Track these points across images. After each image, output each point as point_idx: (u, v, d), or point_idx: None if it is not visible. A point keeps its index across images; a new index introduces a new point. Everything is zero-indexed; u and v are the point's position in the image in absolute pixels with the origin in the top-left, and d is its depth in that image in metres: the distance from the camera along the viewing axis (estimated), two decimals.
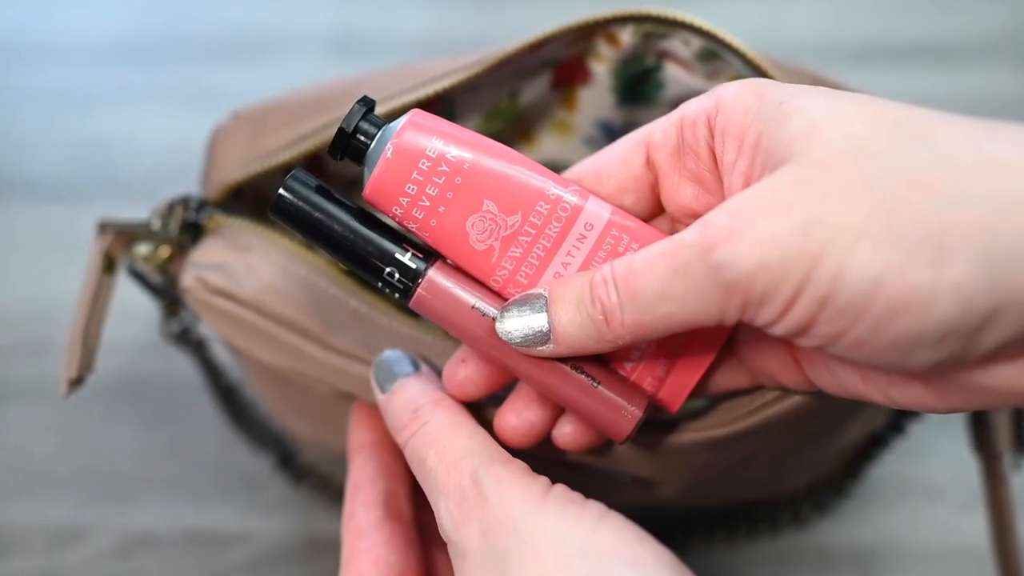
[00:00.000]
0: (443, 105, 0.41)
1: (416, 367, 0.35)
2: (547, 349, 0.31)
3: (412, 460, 0.32)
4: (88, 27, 0.76)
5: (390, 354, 0.35)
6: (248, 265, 0.38)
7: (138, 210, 0.44)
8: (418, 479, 0.32)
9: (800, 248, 0.25)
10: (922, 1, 0.75)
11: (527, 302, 0.31)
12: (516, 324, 0.31)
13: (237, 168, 0.41)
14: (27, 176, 0.68)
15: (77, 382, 0.39)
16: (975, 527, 0.49)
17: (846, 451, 0.49)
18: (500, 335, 0.31)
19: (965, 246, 0.24)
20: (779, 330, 0.27)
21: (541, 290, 0.31)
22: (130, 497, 0.55)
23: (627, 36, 0.40)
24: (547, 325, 0.30)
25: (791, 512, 0.53)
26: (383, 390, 0.34)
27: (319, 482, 0.55)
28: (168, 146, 0.69)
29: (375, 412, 0.38)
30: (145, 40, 0.75)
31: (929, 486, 0.54)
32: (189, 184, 0.46)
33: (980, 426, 0.43)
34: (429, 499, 0.31)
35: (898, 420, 0.48)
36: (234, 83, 0.72)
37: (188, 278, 0.38)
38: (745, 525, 0.53)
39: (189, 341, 0.48)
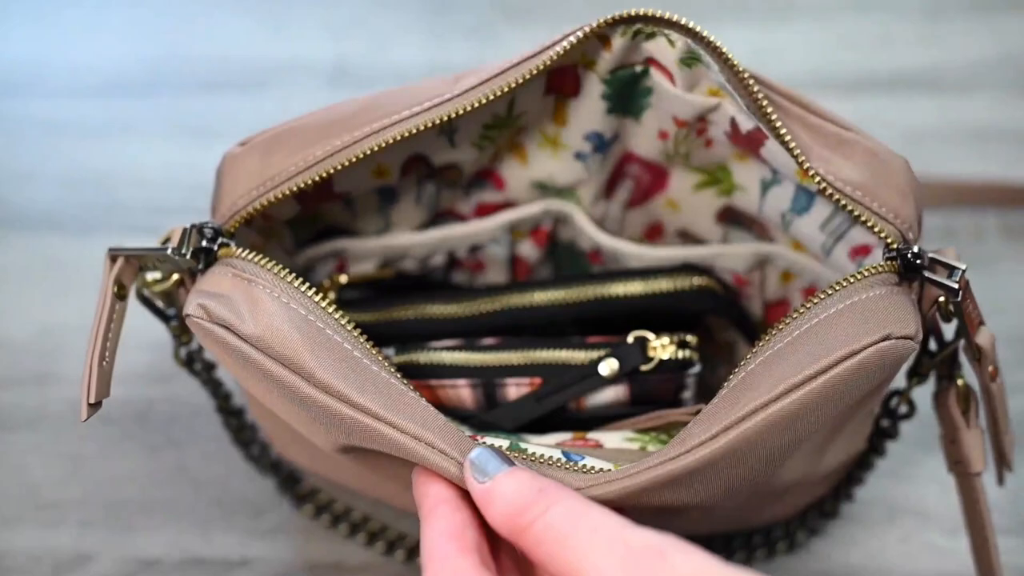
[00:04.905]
0: (443, 123, 0.42)
1: (512, 462, 0.35)
2: None
3: (547, 533, 0.32)
4: (88, 59, 0.77)
5: (485, 450, 0.36)
6: (251, 299, 0.38)
7: (139, 241, 0.44)
8: (553, 552, 0.32)
9: None
10: (909, 33, 0.76)
11: None
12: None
13: (248, 195, 0.41)
14: (28, 207, 0.69)
15: (95, 406, 0.39)
16: (965, 550, 0.49)
17: (832, 476, 0.49)
18: None
19: None
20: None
21: None
22: (133, 523, 0.56)
23: (617, 38, 0.42)
24: None
25: (787, 538, 0.53)
26: (483, 476, 0.35)
27: (320, 507, 0.55)
28: (168, 176, 0.70)
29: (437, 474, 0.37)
30: (145, 72, 0.76)
31: (919, 510, 0.55)
32: (190, 214, 0.46)
33: (954, 446, 0.44)
34: (564, 570, 0.31)
35: (878, 443, 0.49)
36: (233, 114, 0.73)
37: (192, 305, 0.39)
38: (743, 550, 0.53)
39: (198, 364, 0.49)
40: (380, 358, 0.39)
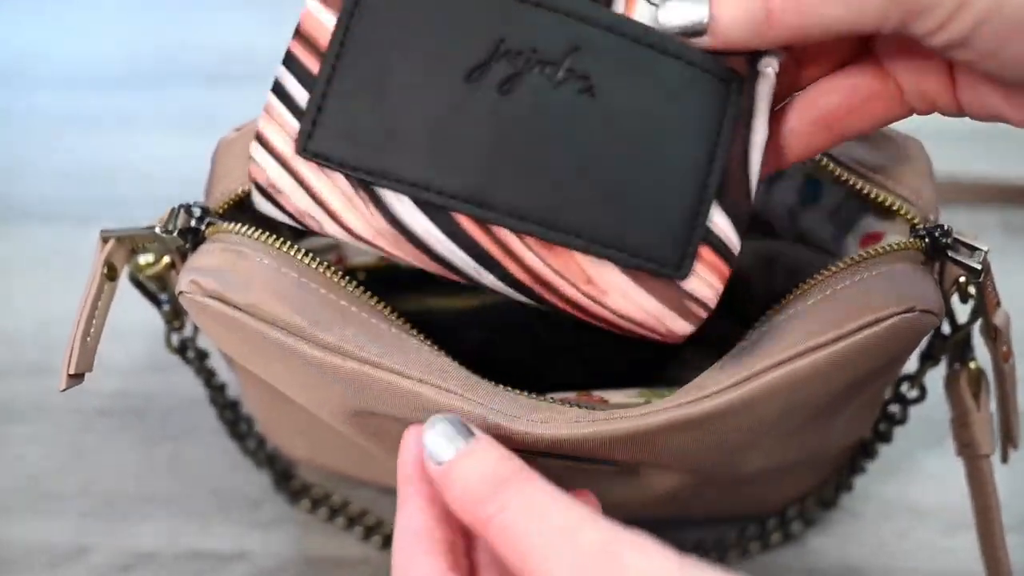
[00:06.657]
0: None
1: (472, 433, 0.33)
2: (703, 41, 0.32)
3: (504, 532, 0.31)
4: (89, 52, 0.77)
5: (443, 419, 0.34)
6: (241, 270, 0.38)
7: None
8: (509, 552, 0.30)
9: None
10: None
11: None
12: (675, 13, 0.32)
13: (241, 179, 0.41)
14: (28, 198, 0.69)
15: (76, 378, 0.39)
16: (963, 548, 0.50)
17: (834, 461, 0.49)
18: (657, 21, 0.33)
19: None
20: (935, 41, 0.30)
21: None
22: (130, 515, 0.56)
23: None
24: (707, 17, 0.32)
25: (781, 530, 0.53)
26: (439, 459, 0.33)
27: (316, 501, 0.55)
28: (168, 169, 0.70)
29: None
30: (146, 65, 0.76)
31: (917, 507, 0.55)
32: None
33: (964, 429, 0.44)
34: (519, 569, 0.30)
35: (885, 429, 0.49)
36: (233, 107, 0.72)
37: (184, 282, 0.39)
38: (738, 546, 0.53)
39: (191, 352, 0.49)
40: (379, 308, 0.38)
